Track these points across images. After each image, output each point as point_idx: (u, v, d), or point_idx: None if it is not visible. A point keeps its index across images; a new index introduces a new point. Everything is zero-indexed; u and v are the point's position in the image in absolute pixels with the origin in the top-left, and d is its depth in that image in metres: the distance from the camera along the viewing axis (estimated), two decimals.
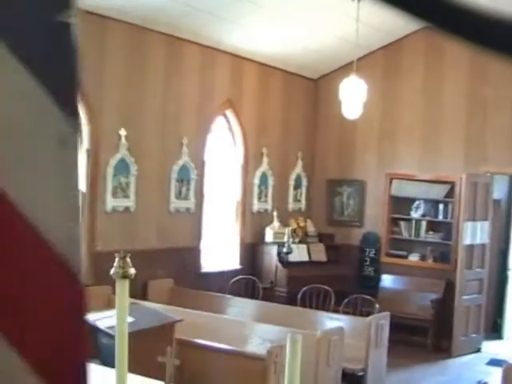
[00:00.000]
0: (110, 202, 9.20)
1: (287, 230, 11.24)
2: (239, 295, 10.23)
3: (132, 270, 2.92)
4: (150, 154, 9.76)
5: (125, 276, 2.95)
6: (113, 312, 7.00)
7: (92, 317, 6.58)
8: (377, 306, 9.58)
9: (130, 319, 6.25)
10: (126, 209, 9.42)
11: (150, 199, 9.79)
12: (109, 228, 9.22)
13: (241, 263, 11.51)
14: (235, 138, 11.49)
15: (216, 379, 6.68)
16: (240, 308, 9.66)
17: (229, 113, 11.25)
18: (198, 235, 10.66)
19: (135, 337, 6.10)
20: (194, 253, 10.57)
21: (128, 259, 2.93)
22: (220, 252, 11.37)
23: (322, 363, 7.41)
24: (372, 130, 12.56)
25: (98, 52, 8.97)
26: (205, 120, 10.69)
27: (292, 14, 10.08)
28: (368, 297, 9.81)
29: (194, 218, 10.57)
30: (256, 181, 11.81)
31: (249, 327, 8.19)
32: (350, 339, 8.28)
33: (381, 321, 8.56)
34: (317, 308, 9.90)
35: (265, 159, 11.94)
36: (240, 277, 10.74)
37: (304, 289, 10.23)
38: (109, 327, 6.22)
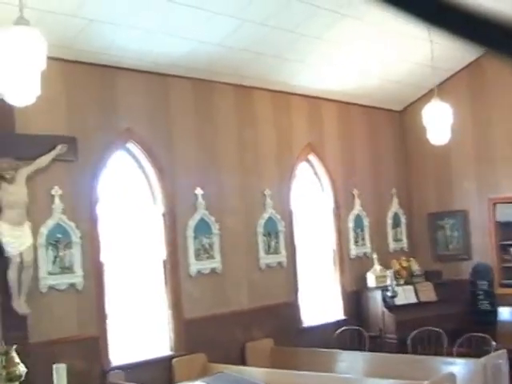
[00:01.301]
0: (194, 265, 8.78)
1: (389, 273, 10.58)
2: (345, 348, 9.56)
3: (21, 369, 2.31)
4: (231, 210, 9.33)
5: (11, 379, 2.23)
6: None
7: None
8: (493, 343, 8.73)
9: None
10: (212, 270, 8.98)
11: (237, 257, 9.33)
12: (195, 292, 8.79)
13: (345, 313, 10.85)
14: (322, 183, 10.94)
15: None
16: (348, 362, 8.97)
17: (312, 157, 10.73)
18: (293, 289, 10.10)
19: None
20: (291, 308, 10.01)
21: (14, 354, 2.33)
22: (320, 304, 10.76)
23: None
24: (467, 155, 11.80)
25: (164, 111, 8.69)
26: (286, 168, 10.21)
27: (363, 45, 9.56)
28: (482, 334, 8.97)
29: (288, 271, 10.03)
30: (350, 224, 11.20)
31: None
32: None
33: (497, 361, 7.74)
34: (429, 352, 9.13)
35: (357, 201, 11.33)
36: (344, 328, 10.07)
37: (413, 333, 9.47)
38: None
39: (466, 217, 11.94)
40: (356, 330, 10.08)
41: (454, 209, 12.03)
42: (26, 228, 7.09)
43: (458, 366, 7.87)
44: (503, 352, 8.02)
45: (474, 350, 8.79)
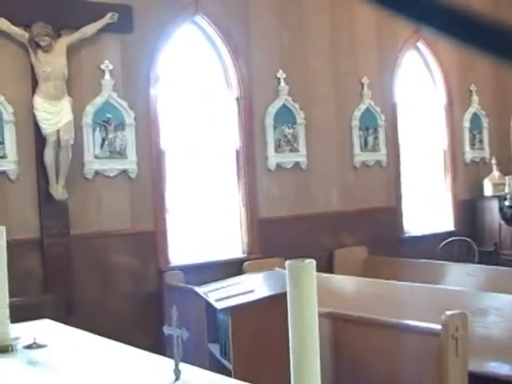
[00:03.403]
0: (274, 158, 7.72)
1: (508, 179, 9.17)
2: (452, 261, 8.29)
3: None
4: (321, 97, 8.16)
5: None
6: (223, 283, 5.54)
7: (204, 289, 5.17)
8: None
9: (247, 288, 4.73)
10: (296, 165, 7.89)
11: (326, 152, 8.19)
12: (274, 189, 7.74)
13: (455, 224, 9.53)
14: (433, 75, 9.53)
15: (376, 361, 4.96)
16: (457, 276, 7.69)
17: (421, 45, 9.32)
18: (395, 192, 8.87)
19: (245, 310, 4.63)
20: (391, 214, 8.80)
21: None
22: (427, 212, 9.47)
23: None
24: None
25: None
26: (389, 55, 8.89)
27: None
28: None
29: (388, 171, 8.80)
30: (466, 124, 9.76)
31: (473, 298, 6.22)
32: None
33: None
34: None
35: (475, 98, 9.85)
36: (451, 239, 8.75)
37: None
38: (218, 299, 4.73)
39: None
40: (464, 241, 8.75)
41: None
42: (65, 103, 6.22)
43: None
44: None
45: None
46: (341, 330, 5.32)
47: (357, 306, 6.50)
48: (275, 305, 4.47)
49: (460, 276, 7.67)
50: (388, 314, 5.84)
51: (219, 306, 4.63)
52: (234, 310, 4.57)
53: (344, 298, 6.83)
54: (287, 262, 2.25)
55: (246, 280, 5.37)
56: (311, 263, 2.21)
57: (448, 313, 4.78)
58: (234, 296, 4.79)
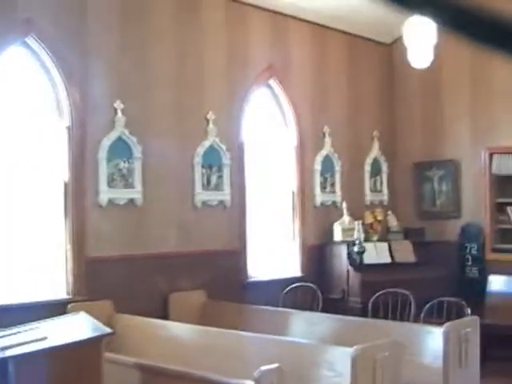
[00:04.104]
0: (106, 194, 7.16)
1: (357, 224, 8.92)
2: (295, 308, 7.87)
3: None
4: (161, 132, 7.69)
5: None
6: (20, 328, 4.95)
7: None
8: (468, 310, 7.06)
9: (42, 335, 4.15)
10: (130, 201, 7.36)
11: (165, 189, 7.70)
12: (105, 227, 7.18)
13: (302, 270, 9.19)
14: (285, 115, 9.23)
15: None
16: (298, 324, 7.29)
17: (273, 83, 9.02)
18: (238, 235, 8.45)
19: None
20: (234, 258, 8.36)
21: None
22: (274, 256, 9.09)
23: None
24: (461, 97, 10.05)
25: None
26: (239, 91, 8.52)
27: None
28: (455, 299, 7.30)
29: (232, 213, 8.38)
30: (317, 167, 9.49)
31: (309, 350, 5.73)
32: (421, 357, 5.92)
33: (465, 329, 6.07)
34: (393, 318, 7.49)
35: (327, 140, 9.61)
36: (295, 285, 8.38)
37: (376, 295, 7.81)
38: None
39: (458, 168, 10.19)
40: (309, 288, 8.39)
41: (443, 158, 10.29)
42: None
43: (416, 333, 6.26)
44: (475, 318, 6.36)
45: (444, 318, 7.13)
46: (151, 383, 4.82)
47: (182, 357, 6.02)
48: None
49: (301, 325, 7.29)
50: (215, 367, 5.42)
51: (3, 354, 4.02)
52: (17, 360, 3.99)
53: (172, 347, 6.32)
54: None
55: (42, 326, 4.76)
56: None
57: (263, 368, 4.36)
58: (22, 344, 4.20)
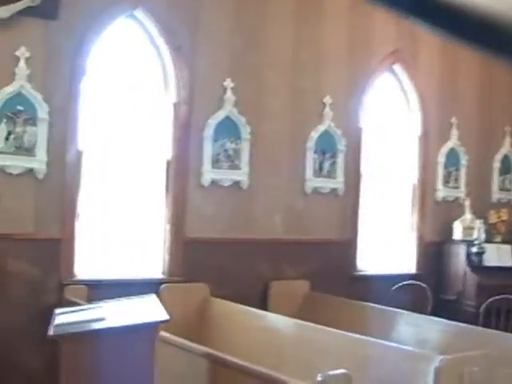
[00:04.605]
0: (209, 174, 6.98)
1: (478, 224, 8.38)
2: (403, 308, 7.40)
3: None
4: (272, 114, 7.42)
5: None
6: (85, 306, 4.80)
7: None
8: None
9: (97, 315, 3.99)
10: (235, 184, 7.14)
11: (273, 174, 7.46)
12: (207, 208, 7.01)
13: (417, 267, 8.72)
14: (409, 102, 8.75)
15: None
16: (404, 327, 6.86)
17: (397, 68, 8.56)
18: (350, 225, 8.09)
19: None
20: (343, 249, 8.00)
21: None
22: (388, 250, 8.66)
23: None
24: None
25: None
26: (360, 76, 8.12)
27: None
28: None
29: (345, 202, 8.02)
30: (441, 159, 8.96)
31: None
32: None
33: None
34: (505, 327, 6.95)
35: (454, 132, 9.05)
36: (403, 283, 7.91)
37: (490, 300, 7.27)
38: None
39: None
40: (418, 286, 7.91)
41: None
42: None
43: None
44: None
45: None
46: (219, 374, 4.60)
47: (276, 348, 5.78)
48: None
49: (407, 327, 6.84)
50: (306, 363, 5.18)
51: (50, 332, 3.89)
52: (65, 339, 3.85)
53: (266, 338, 6.06)
54: None
55: (106, 306, 4.59)
56: None
57: (330, 373, 4.03)
58: (77, 323, 4.05)
